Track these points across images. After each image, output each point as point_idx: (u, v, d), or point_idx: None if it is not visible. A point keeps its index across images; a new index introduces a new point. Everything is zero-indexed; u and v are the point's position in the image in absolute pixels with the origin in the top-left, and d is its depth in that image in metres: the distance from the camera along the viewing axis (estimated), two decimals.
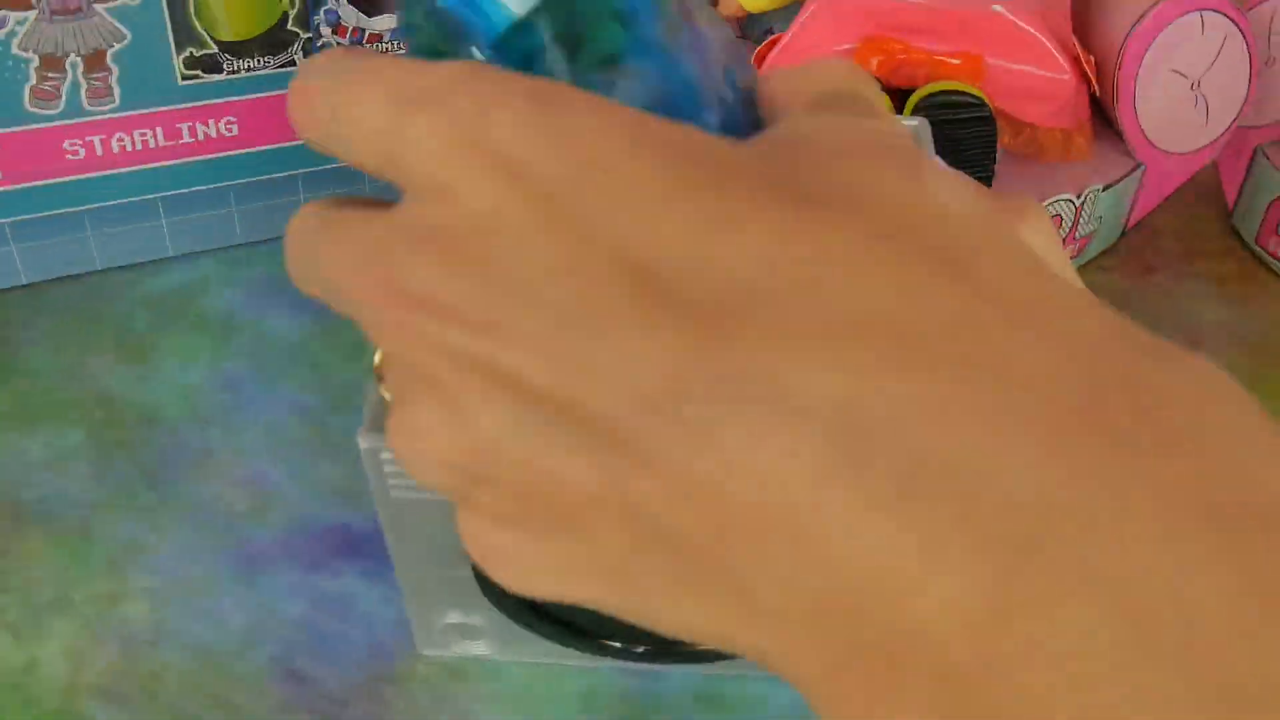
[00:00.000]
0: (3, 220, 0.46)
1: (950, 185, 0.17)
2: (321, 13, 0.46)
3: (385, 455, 0.29)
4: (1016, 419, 0.14)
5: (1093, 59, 0.50)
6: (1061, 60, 0.48)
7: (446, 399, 0.17)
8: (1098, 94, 0.50)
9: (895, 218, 0.16)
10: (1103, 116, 0.51)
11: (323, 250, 0.19)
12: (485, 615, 0.33)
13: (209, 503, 0.38)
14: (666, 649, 0.33)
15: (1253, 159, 0.55)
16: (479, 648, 0.34)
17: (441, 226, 0.16)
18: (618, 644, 0.33)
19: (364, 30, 0.48)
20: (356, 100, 0.17)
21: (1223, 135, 0.50)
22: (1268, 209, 0.54)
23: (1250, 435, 0.15)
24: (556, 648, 0.33)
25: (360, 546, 0.36)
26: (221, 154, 0.48)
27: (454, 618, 0.33)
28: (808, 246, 0.16)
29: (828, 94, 0.20)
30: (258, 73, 0.47)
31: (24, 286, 0.48)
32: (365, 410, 0.29)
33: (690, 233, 0.16)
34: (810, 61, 0.20)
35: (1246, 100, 0.49)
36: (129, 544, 0.37)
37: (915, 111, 0.46)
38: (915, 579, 0.14)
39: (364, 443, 0.28)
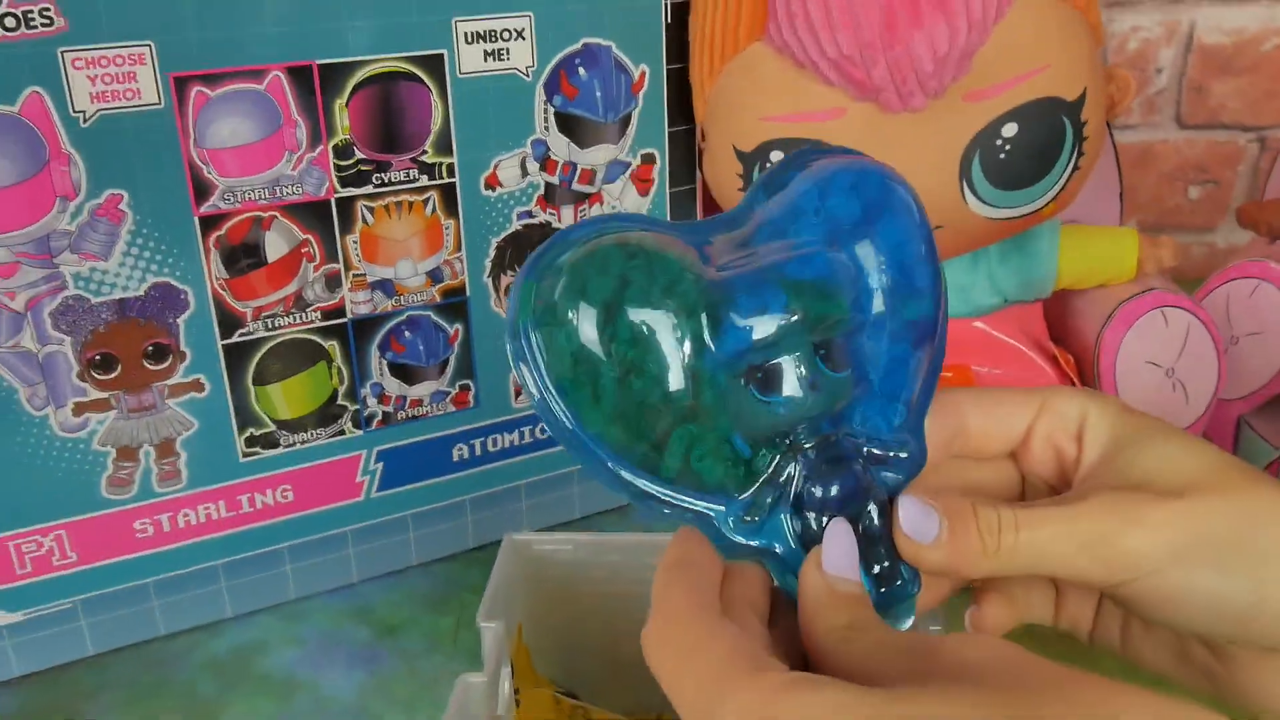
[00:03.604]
0: (75, 598, 0.49)
1: None
2: (368, 386, 0.51)
3: None
4: None
5: (1071, 358, 0.55)
6: (1040, 362, 0.53)
7: None
8: (1079, 386, 0.54)
9: None
10: None
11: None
12: None
13: None
14: None
15: (1238, 429, 0.58)
16: None
17: None
18: None
19: (404, 398, 0.53)
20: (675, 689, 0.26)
21: (1205, 414, 0.54)
22: None
23: None
24: None
25: None
26: (277, 519, 0.52)
27: None
28: None
29: None
30: (311, 444, 0.51)
31: (90, 658, 0.51)
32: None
33: None
34: None
35: (1219, 380, 0.53)
36: None
37: None
38: None
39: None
